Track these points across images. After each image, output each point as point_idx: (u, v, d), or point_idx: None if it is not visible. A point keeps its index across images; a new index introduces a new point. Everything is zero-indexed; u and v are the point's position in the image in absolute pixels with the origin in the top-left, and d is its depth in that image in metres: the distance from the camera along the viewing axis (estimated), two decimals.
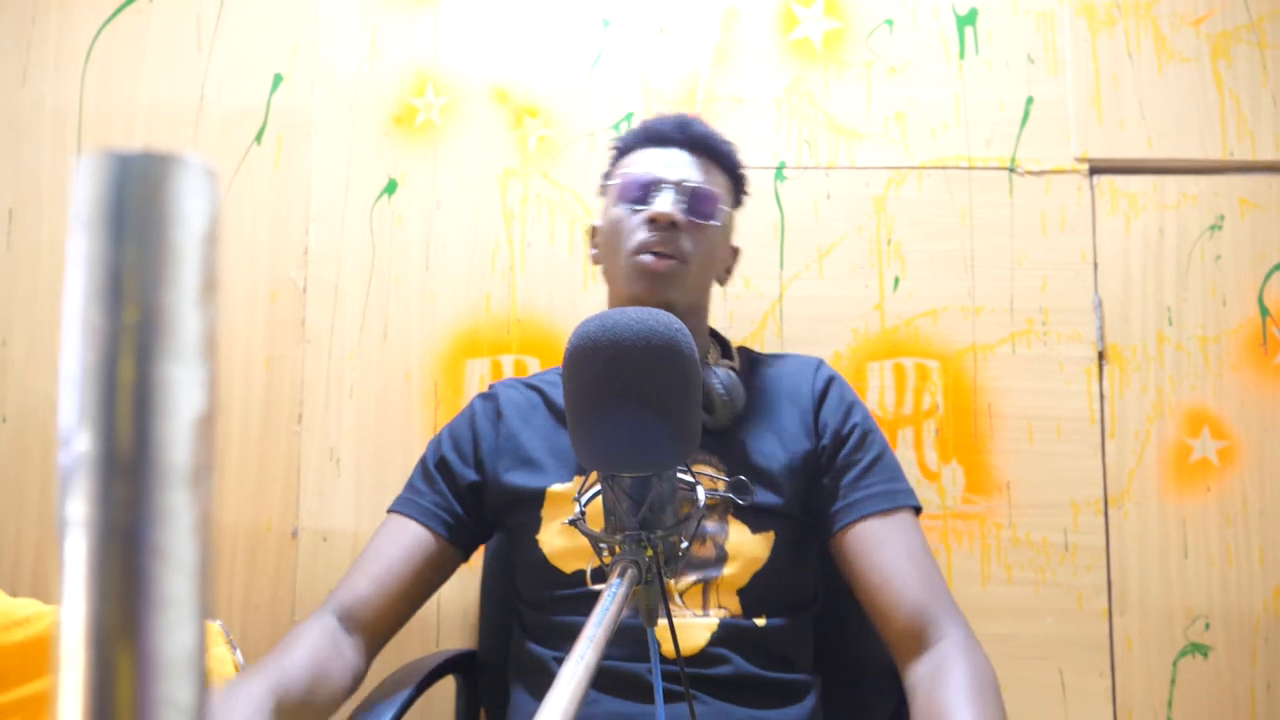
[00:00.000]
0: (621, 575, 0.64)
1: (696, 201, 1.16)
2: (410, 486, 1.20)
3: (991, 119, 1.68)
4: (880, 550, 1.08)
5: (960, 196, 1.66)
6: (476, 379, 1.59)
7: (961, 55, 1.69)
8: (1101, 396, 1.63)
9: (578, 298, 1.61)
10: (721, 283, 1.26)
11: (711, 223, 1.17)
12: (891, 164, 1.66)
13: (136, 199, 0.21)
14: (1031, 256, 1.65)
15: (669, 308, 1.14)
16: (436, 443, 1.23)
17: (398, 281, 1.61)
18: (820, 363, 1.24)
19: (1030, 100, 1.68)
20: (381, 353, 1.60)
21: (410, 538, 1.13)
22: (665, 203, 1.13)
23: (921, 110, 1.67)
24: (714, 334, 1.28)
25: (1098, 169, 1.68)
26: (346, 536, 1.57)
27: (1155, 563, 1.61)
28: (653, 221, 1.13)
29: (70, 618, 0.21)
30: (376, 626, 1.09)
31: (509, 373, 1.60)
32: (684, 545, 0.77)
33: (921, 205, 1.66)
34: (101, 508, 0.21)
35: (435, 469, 1.19)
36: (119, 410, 0.21)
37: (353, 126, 1.62)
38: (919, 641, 1.02)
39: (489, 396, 1.24)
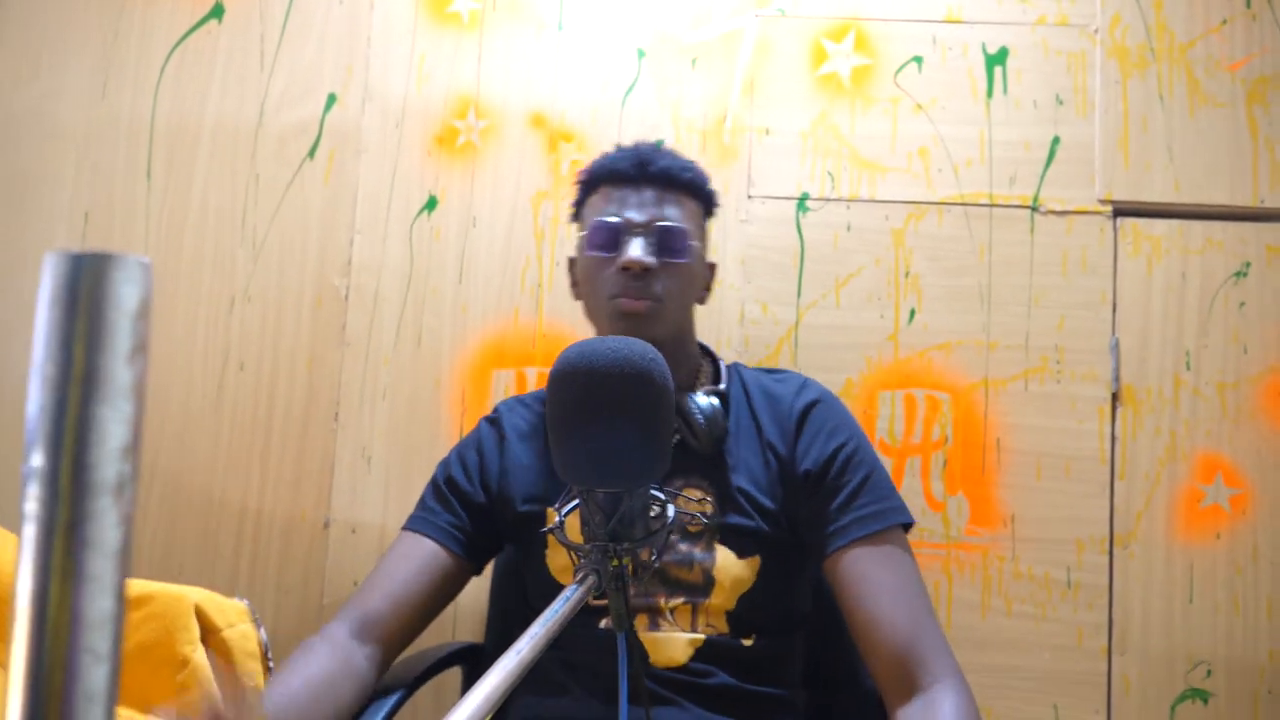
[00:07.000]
0: (580, 582, 0.71)
1: (666, 240, 1.17)
2: (423, 505, 1.24)
3: (1016, 158, 1.71)
4: (868, 581, 1.08)
5: (980, 233, 1.70)
6: (501, 388, 1.68)
7: (989, 94, 1.72)
8: (1113, 437, 1.65)
9: None
10: (701, 302, 1.27)
11: (683, 260, 1.19)
12: (913, 199, 1.71)
13: (86, 286, 0.29)
14: (1050, 295, 1.68)
15: (653, 344, 1.19)
16: (445, 464, 1.27)
17: (433, 293, 1.70)
18: (804, 384, 1.24)
19: (1056, 140, 1.71)
20: (415, 359, 1.69)
21: (426, 555, 1.18)
22: (636, 249, 1.15)
23: (946, 147, 1.71)
24: (705, 350, 1.29)
25: (1121, 211, 1.71)
26: (374, 529, 1.67)
27: (1159, 605, 1.62)
28: (625, 269, 1.15)
29: (24, 585, 0.29)
30: (392, 640, 1.14)
31: (532, 383, 1.68)
32: (653, 558, 0.84)
33: (941, 240, 1.70)
34: (47, 508, 0.29)
35: (446, 488, 1.23)
36: (65, 438, 0.29)
37: (398, 145, 1.73)
38: (908, 683, 1.03)
39: (494, 421, 1.29)
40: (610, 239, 1.18)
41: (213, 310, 1.71)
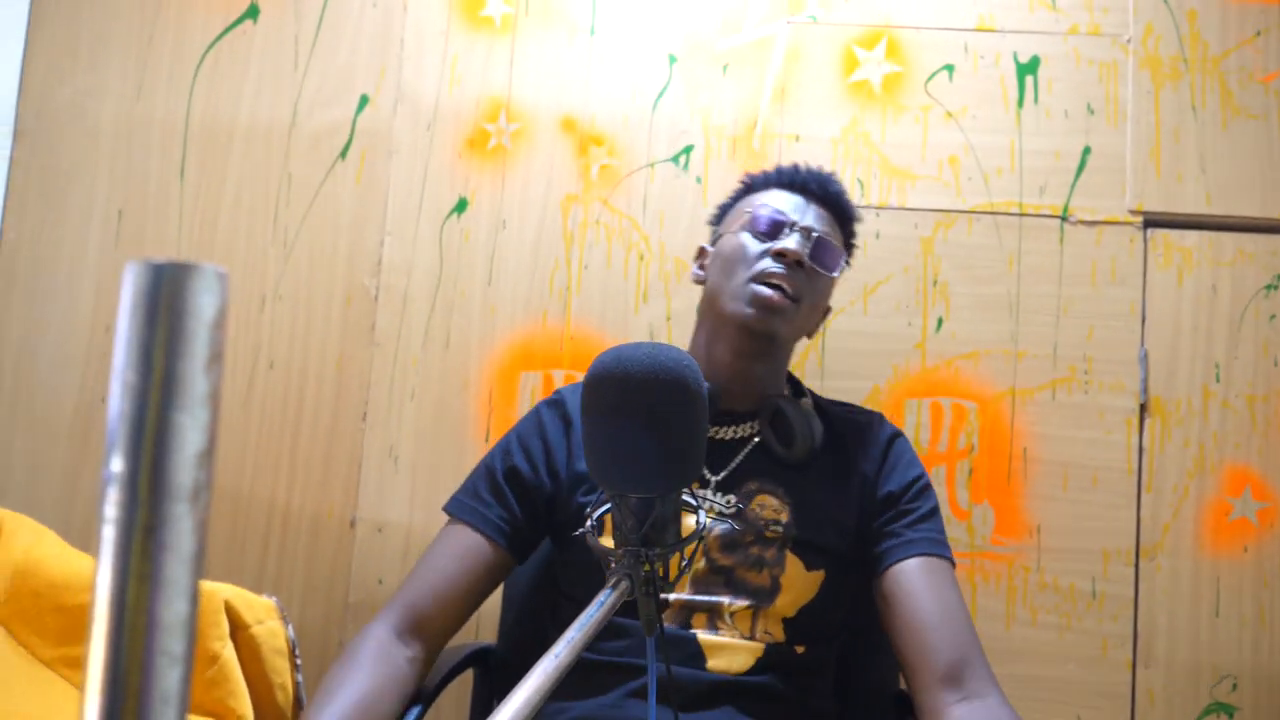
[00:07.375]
0: (614, 587, 0.71)
1: (821, 251, 1.22)
2: (475, 494, 1.22)
3: (1046, 167, 1.70)
4: (929, 590, 1.13)
5: (1009, 242, 1.69)
6: (529, 391, 1.68)
7: (1020, 103, 1.72)
8: (1140, 449, 1.64)
9: (629, 319, 1.70)
10: (810, 335, 1.31)
11: (830, 274, 1.24)
12: (942, 207, 1.70)
13: (165, 295, 0.30)
14: (1078, 305, 1.68)
15: (771, 340, 1.22)
16: (505, 450, 1.24)
17: (462, 295, 1.72)
18: (883, 418, 1.31)
19: (1087, 150, 1.70)
20: (443, 360, 1.71)
21: (476, 550, 1.18)
22: (793, 242, 1.19)
23: (976, 155, 1.71)
24: (787, 375, 1.33)
25: (1152, 222, 1.70)
26: (400, 529, 1.68)
27: (1185, 618, 1.61)
28: (779, 256, 1.18)
29: (102, 587, 0.29)
30: (437, 638, 1.17)
31: (559, 386, 1.69)
32: (684, 563, 0.84)
33: (970, 249, 1.69)
34: (127, 512, 0.29)
35: (505, 479, 1.21)
36: (144, 445, 0.30)
37: (429, 147, 1.74)
38: (959, 685, 1.07)
39: (555, 403, 1.27)
40: (773, 229, 1.22)
41: (244, 308, 1.73)
